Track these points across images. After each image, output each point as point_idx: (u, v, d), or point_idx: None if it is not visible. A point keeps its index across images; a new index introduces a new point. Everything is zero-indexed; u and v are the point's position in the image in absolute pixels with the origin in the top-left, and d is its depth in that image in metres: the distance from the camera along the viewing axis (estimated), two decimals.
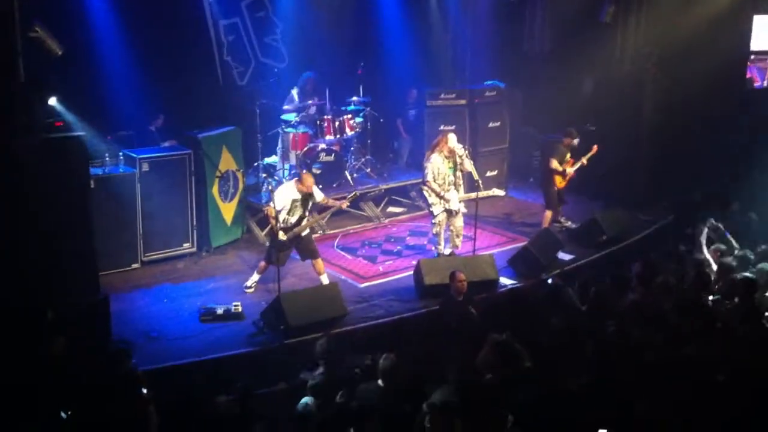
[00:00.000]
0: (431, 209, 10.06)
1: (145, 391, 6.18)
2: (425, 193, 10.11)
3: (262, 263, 9.45)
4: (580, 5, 13.14)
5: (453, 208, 9.99)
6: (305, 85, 12.26)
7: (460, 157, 9.86)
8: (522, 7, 14.11)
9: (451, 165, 9.94)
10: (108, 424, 5.92)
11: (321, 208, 9.86)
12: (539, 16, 14.02)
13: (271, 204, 9.05)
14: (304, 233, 9.28)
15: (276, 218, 9.01)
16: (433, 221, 10.12)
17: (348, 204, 9.64)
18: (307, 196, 9.19)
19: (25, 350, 6.69)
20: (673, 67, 12.22)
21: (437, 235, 10.20)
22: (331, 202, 9.48)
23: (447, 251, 10.28)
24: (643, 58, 12.42)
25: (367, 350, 7.46)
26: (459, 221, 10.17)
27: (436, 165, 9.89)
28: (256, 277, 9.53)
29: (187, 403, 6.65)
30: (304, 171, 10.00)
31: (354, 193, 9.72)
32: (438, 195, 9.92)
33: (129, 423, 5.94)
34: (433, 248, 10.44)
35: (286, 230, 9.08)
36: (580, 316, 7.52)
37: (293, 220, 9.15)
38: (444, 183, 9.92)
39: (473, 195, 9.96)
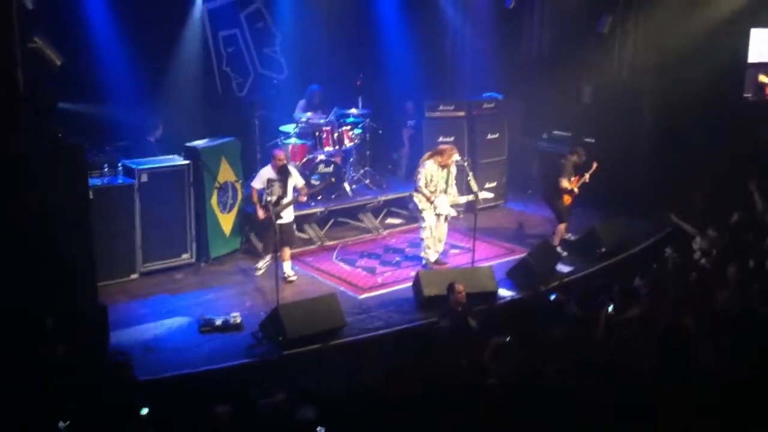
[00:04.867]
0: (422, 214, 10.25)
1: (145, 411, 6.13)
2: (416, 199, 10.30)
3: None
4: (579, 13, 13.18)
5: (443, 212, 10.21)
6: (312, 98, 12.28)
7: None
8: (521, 13, 14.13)
9: (444, 175, 10.15)
10: None
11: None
12: (537, 21, 14.07)
13: (252, 185, 10.04)
14: (285, 216, 9.86)
15: (258, 198, 9.93)
16: (423, 225, 10.29)
17: (317, 191, 10.87)
18: (283, 175, 9.91)
19: (24, 358, 6.65)
20: (671, 78, 12.24)
21: (425, 239, 10.30)
22: (303, 193, 10.17)
23: (433, 258, 10.41)
24: (642, 68, 12.45)
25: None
26: (443, 227, 10.38)
27: (430, 171, 10.11)
28: (266, 258, 10.17)
29: (186, 414, 6.60)
30: (275, 150, 10.50)
31: (329, 179, 10.89)
32: (428, 200, 10.10)
33: None
34: (422, 253, 10.49)
35: (266, 209, 9.70)
36: (582, 327, 7.47)
37: (273, 199, 9.80)
38: (435, 190, 10.15)
39: (462, 199, 10.39)
